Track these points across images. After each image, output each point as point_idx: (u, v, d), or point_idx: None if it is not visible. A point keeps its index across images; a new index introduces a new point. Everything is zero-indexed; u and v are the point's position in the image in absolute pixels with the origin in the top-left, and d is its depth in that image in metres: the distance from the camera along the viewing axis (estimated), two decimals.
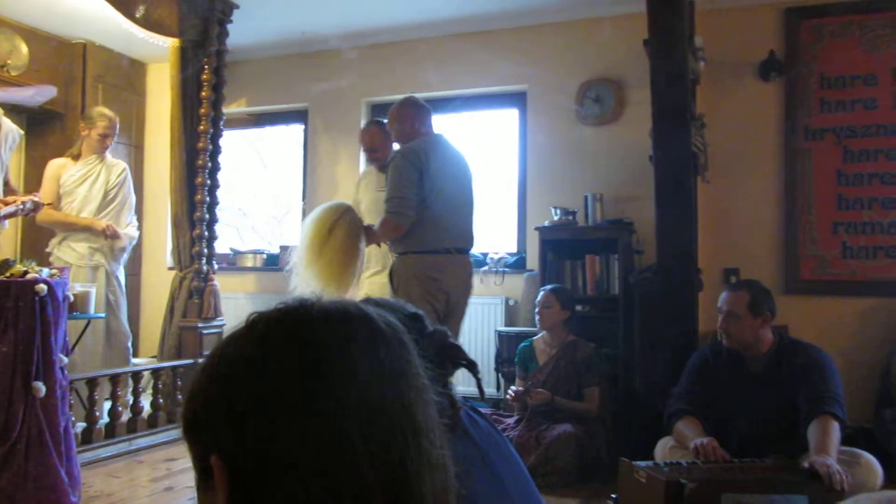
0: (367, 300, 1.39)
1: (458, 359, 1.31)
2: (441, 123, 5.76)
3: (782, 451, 2.75)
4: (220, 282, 5.10)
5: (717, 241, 4.73)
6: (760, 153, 4.78)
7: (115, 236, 4.54)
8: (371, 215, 4.11)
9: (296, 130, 6.19)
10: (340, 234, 3.58)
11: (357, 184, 4.77)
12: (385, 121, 4.16)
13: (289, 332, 0.62)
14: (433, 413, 0.63)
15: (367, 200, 4.46)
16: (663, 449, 3.05)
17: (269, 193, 6.76)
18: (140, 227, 4.99)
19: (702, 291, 4.26)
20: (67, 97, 5.69)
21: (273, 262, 5.89)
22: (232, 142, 6.39)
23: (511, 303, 5.08)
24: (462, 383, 5.33)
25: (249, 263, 5.94)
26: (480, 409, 4.29)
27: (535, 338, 4.23)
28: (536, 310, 4.14)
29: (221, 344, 0.66)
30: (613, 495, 2.49)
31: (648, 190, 3.98)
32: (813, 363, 2.94)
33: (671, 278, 3.89)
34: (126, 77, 6.18)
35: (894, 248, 4.53)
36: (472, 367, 1.32)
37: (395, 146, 3.95)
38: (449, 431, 1.29)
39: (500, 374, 4.67)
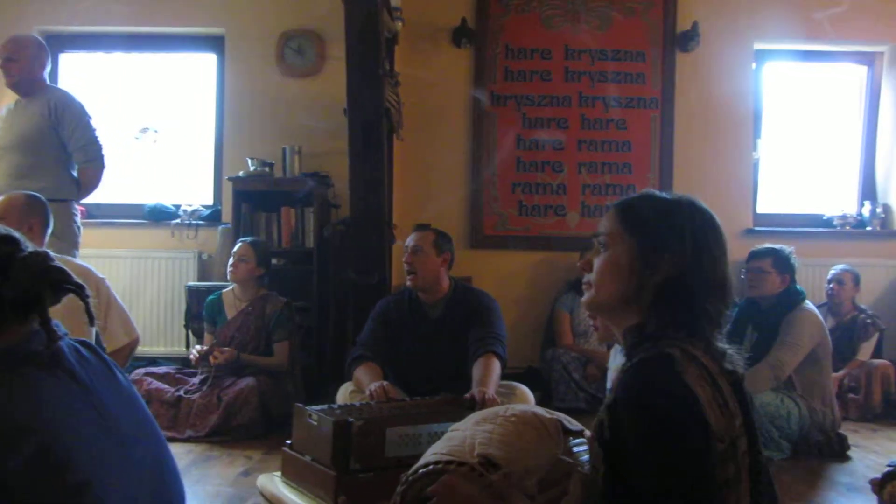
0: None
1: (62, 283, 1.19)
2: (133, 63, 5.29)
3: (456, 388, 2.94)
4: None
5: (411, 197, 4.93)
6: (453, 115, 5.05)
7: None
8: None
9: None
10: None
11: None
12: None
13: None
14: None
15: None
16: (344, 394, 3.13)
17: None
18: None
19: (394, 244, 4.42)
20: None
21: None
22: None
23: (204, 257, 4.84)
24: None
25: None
26: (166, 367, 3.95)
27: (224, 290, 4.08)
28: (231, 260, 3.98)
29: None
30: (288, 441, 2.48)
31: (346, 144, 4.00)
32: (480, 308, 3.20)
33: (363, 231, 3.96)
34: None
35: (562, 207, 5.07)
36: (79, 290, 1.20)
37: None
38: (47, 370, 1.17)
39: (189, 331, 4.44)
